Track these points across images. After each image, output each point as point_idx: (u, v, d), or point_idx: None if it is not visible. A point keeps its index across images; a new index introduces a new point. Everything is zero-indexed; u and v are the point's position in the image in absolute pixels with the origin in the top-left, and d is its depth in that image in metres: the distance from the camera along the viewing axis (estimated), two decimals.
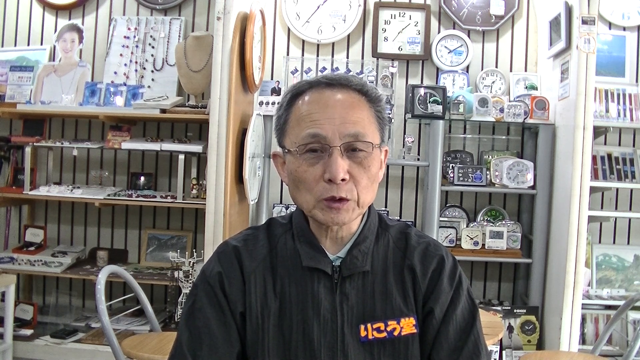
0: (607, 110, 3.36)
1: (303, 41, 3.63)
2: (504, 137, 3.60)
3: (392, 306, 1.09)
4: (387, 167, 3.56)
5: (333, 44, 3.64)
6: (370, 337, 1.06)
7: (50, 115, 3.57)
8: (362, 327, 1.07)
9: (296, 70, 3.50)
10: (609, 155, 3.43)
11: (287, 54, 3.63)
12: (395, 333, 1.07)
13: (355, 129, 1.05)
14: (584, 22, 2.96)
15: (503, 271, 3.59)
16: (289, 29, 3.63)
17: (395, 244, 1.15)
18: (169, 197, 3.29)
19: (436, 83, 3.56)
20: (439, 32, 3.61)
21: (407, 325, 1.08)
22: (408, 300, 1.10)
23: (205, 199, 3.07)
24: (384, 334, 1.07)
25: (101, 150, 3.53)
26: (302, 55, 3.62)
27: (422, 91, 3.26)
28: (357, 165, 1.05)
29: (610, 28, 3.54)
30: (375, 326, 1.07)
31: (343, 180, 1.03)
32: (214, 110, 3.00)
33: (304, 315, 1.07)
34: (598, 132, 3.30)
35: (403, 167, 3.59)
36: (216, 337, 1.07)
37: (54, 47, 3.69)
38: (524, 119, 3.28)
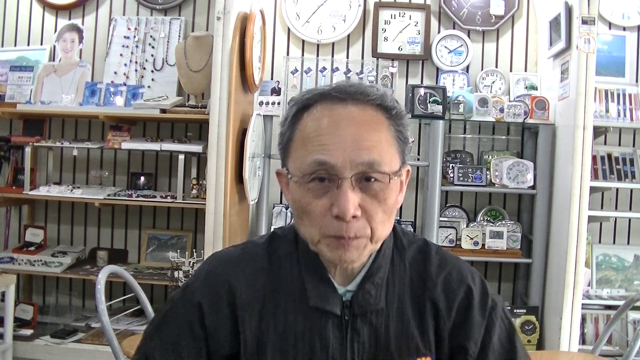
0: (607, 110, 3.36)
1: (303, 41, 3.63)
2: (504, 137, 3.60)
3: (408, 344, 0.97)
4: None
5: (333, 44, 3.63)
6: None
7: (50, 115, 3.57)
8: None
9: (296, 70, 3.49)
10: (609, 155, 3.42)
11: (287, 54, 3.63)
12: None
13: (370, 156, 0.90)
14: (584, 22, 2.96)
15: (503, 271, 3.59)
16: (289, 29, 3.63)
17: (414, 271, 1.02)
18: (169, 197, 3.29)
19: (436, 83, 3.56)
20: (439, 32, 3.61)
21: None
22: (426, 338, 0.98)
23: (205, 199, 3.07)
24: None
25: (101, 150, 3.53)
26: (302, 55, 3.62)
27: (422, 91, 3.26)
28: (371, 198, 0.91)
29: (610, 28, 3.54)
30: None
31: (354, 217, 0.89)
32: (214, 110, 3.00)
33: (311, 356, 0.96)
34: (598, 132, 3.30)
35: None
36: None
37: (54, 47, 3.69)
38: (524, 119, 3.28)
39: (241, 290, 0.98)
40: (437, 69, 3.60)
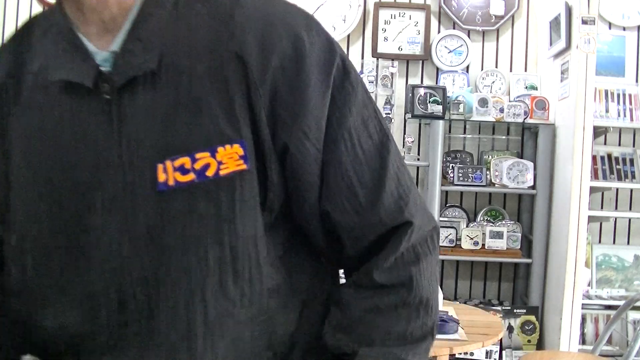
0: (607, 110, 3.36)
1: None
2: (504, 137, 3.60)
3: (202, 127, 0.63)
4: None
5: None
6: (171, 182, 0.62)
7: None
8: (160, 166, 0.62)
9: None
10: (609, 155, 3.42)
11: None
12: (210, 173, 0.62)
13: None
14: (584, 22, 2.96)
15: (503, 271, 3.59)
16: None
17: (213, 16, 0.65)
18: None
19: (436, 83, 3.56)
20: (439, 32, 3.61)
21: (230, 158, 0.62)
22: (233, 116, 0.63)
23: None
24: (192, 176, 0.62)
25: None
26: None
27: (422, 91, 3.26)
28: None
29: (610, 28, 3.54)
30: (177, 164, 0.62)
31: None
32: None
33: (66, 158, 0.65)
34: (598, 132, 3.30)
35: None
36: None
37: None
38: (524, 119, 3.29)
39: None
40: (437, 69, 3.60)
